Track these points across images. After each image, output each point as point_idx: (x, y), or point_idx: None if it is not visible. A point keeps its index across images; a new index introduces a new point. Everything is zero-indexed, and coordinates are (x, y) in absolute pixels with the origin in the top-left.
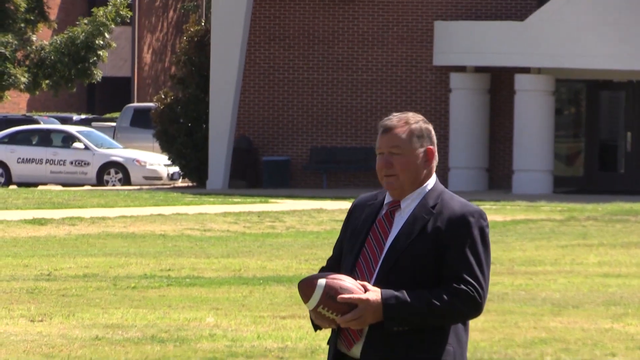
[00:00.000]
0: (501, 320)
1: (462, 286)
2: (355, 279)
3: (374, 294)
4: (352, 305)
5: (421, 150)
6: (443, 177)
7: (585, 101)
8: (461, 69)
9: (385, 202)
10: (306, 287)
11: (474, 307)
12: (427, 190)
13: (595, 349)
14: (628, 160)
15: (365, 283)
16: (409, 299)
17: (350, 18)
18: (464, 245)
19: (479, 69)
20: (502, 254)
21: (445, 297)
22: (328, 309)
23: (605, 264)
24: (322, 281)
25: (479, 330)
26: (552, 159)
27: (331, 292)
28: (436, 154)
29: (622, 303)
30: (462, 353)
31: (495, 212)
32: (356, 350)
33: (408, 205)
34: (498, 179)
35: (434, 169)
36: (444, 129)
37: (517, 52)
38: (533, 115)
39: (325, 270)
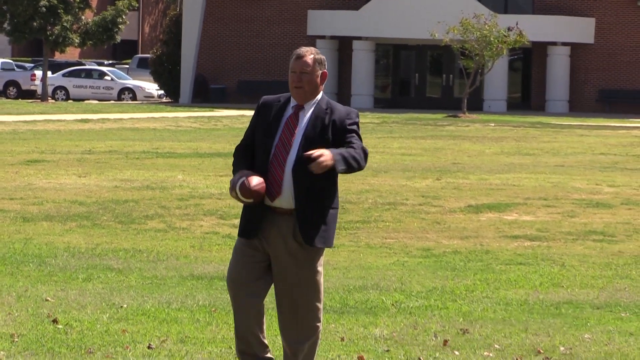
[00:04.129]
0: (342, 180)
1: (359, 144)
2: (275, 155)
3: (328, 150)
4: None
5: (319, 72)
6: None
7: (392, 56)
8: (322, 37)
9: (290, 105)
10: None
11: (366, 159)
12: (319, 99)
13: (397, 196)
14: (416, 89)
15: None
16: (345, 154)
17: (261, 7)
18: (352, 130)
19: (332, 37)
20: None
21: (352, 150)
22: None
23: (403, 148)
24: (239, 182)
25: None
26: (373, 88)
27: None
28: (326, 75)
29: (412, 170)
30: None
31: None
32: (278, 202)
33: (309, 108)
34: (342, 100)
35: (323, 86)
36: None
37: (353, 28)
38: (362, 64)
39: (240, 153)
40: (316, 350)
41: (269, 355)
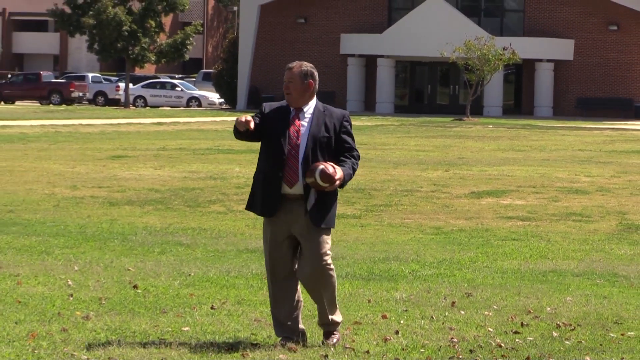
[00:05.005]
0: (369, 171)
1: (356, 153)
2: (290, 149)
3: (340, 170)
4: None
5: (305, 82)
6: (344, 105)
7: (409, 71)
8: (352, 55)
9: (292, 109)
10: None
11: (358, 163)
12: (315, 104)
13: (413, 184)
14: (428, 98)
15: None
16: (350, 171)
17: (302, 31)
18: (348, 131)
19: (360, 56)
20: (369, 139)
21: (354, 161)
22: (323, 181)
23: (418, 146)
24: (319, 169)
25: (358, 175)
26: (393, 96)
27: (325, 174)
28: (315, 85)
29: (425, 163)
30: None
31: (367, 121)
32: (295, 189)
33: (308, 110)
34: (369, 106)
35: (315, 92)
36: (344, 84)
37: (378, 48)
38: (385, 77)
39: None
40: (336, 296)
41: (303, 329)
